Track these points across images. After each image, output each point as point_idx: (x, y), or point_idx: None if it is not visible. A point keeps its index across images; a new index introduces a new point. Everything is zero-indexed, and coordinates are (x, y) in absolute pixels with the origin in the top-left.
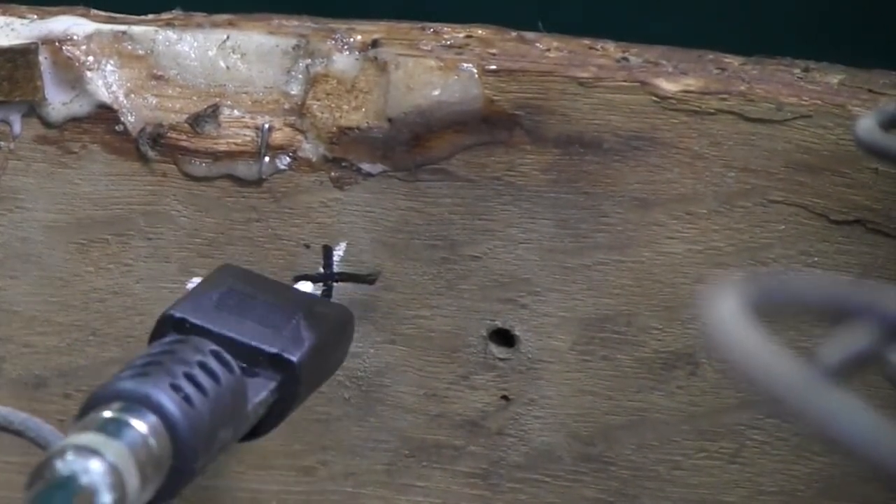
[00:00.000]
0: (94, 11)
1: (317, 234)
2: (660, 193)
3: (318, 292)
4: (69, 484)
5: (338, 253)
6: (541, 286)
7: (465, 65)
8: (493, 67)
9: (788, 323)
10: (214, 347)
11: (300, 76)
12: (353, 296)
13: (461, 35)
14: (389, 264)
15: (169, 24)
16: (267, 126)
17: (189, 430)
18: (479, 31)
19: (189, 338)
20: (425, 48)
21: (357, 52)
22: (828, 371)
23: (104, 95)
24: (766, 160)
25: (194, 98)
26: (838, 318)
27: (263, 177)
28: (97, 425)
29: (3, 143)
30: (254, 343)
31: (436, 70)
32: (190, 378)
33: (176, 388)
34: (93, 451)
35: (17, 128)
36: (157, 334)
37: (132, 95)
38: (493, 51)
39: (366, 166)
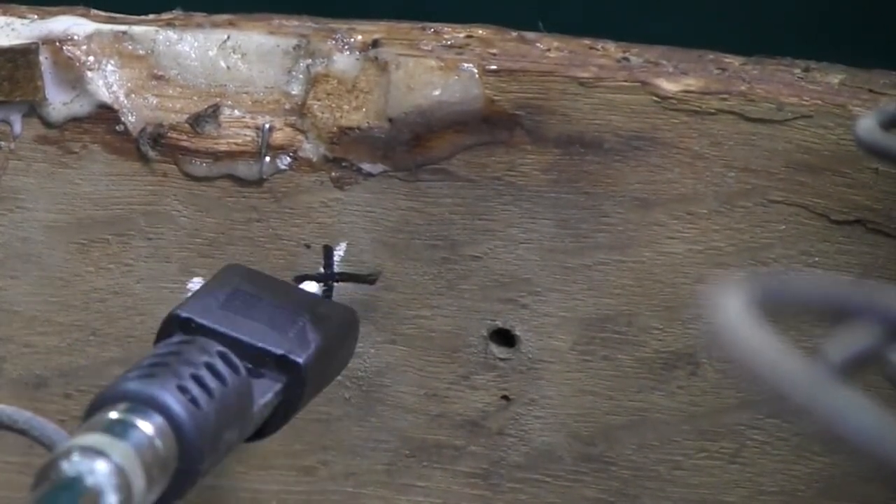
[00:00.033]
0: (94, 11)
1: (317, 234)
2: (660, 193)
3: (319, 292)
4: (75, 485)
5: (338, 253)
6: (541, 286)
7: (466, 65)
8: (494, 67)
9: (789, 323)
10: (221, 349)
11: (301, 76)
12: (353, 296)
13: (461, 35)
14: (390, 264)
15: (169, 24)
16: (267, 126)
17: (195, 431)
18: (480, 31)
19: (195, 338)
20: (426, 48)
21: (358, 52)
22: (832, 369)
23: (105, 95)
24: (766, 160)
25: (195, 98)
26: (839, 318)
27: (264, 177)
28: (103, 426)
29: (3, 143)
30: (260, 344)
31: (436, 70)
32: (197, 380)
33: (183, 389)
34: (99, 452)
35: (17, 128)
36: (163, 334)
37: (133, 95)
38: (494, 51)
39: (366, 166)
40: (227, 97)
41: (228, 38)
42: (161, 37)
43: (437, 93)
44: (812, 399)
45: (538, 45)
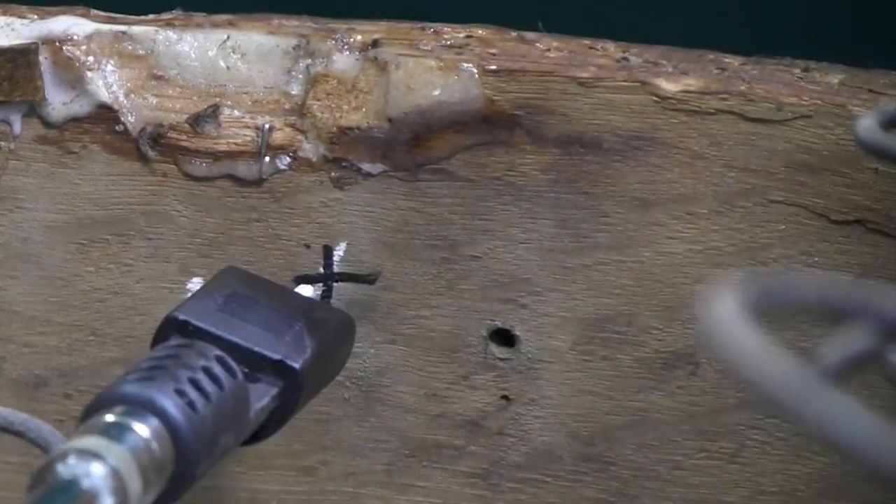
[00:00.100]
0: (94, 11)
1: (317, 234)
2: (660, 193)
3: (318, 292)
4: (71, 488)
5: (338, 253)
6: (541, 286)
7: (466, 65)
8: (494, 67)
9: (788, 323)
10: (219, 353)
11: (300, 76)
12: (353, 296)
13: (461, 35)
14: (389, 264)
15: (169, 24)
16: (267, 126)
17: (191, 435)
18: (479, 31)
19: (194, 342)
20: (425, 48)
21: (357, 52)
22: (827, 371)
23: (104, 95)
24: (766, 160)
25: (194, 98)
26: (838, 318)
27: (264, 177)
28: (100, 429)
29: (3, 143)
30: (257, 349)
31: (436, 70)
32: (194, 383)
33: (180, 393)
34: (95, 455)
35: (17, 128)
36: (160, 336)
37: (132, 95)
38: (494, 51)
39: (366, 166)
40: (226, 97)
41: (228, 38)
42: (161, 37)
43: (436, 93)
44: (802, 403)
45: (538, 45)
